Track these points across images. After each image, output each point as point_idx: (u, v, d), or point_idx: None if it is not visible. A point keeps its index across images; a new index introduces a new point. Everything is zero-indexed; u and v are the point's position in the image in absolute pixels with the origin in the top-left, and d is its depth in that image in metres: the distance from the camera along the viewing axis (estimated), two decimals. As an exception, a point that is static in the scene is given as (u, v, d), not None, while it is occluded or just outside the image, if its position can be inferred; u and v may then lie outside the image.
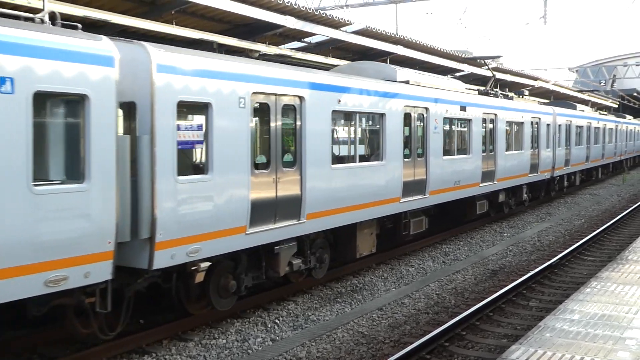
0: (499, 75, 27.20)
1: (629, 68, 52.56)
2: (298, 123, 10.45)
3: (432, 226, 16.12)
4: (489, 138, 18.49)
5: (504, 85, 29.18)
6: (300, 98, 10.36)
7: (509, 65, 29.50)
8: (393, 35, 17.68)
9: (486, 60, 22.12)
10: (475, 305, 10.65)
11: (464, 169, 16.47)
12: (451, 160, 15.86)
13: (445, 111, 15.25)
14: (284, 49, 15.71)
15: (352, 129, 12.24)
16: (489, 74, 26.27)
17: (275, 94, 9.90)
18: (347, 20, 15.50)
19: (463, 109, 16.20)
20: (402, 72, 14.41)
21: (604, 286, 9.35)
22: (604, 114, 38.42)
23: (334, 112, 11.25)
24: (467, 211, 18.03)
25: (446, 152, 15.75)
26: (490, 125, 18.56)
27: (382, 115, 12.73)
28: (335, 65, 16.88)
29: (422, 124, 14.49)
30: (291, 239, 10.44)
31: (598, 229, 18.84)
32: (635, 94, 55.77)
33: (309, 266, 11.27)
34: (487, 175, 17.95)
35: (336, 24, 15.29)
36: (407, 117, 13.85)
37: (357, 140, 12.28)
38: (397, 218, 13.98)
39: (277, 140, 9.99)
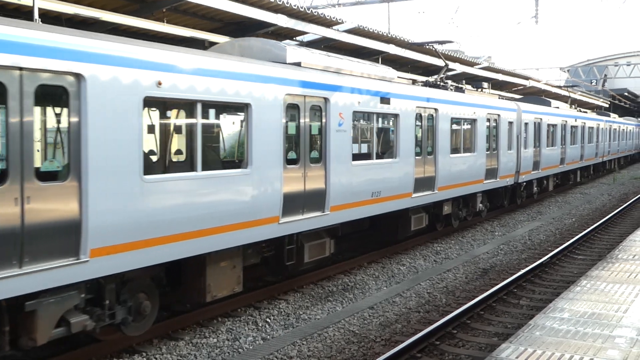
0: (490, 75, 27.26)
1: (620, 68, 52.83)
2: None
3: (343, 250, 14.42)
4: (428, 138, 15.31)
5: (495, 85, 29.28)
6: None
7: (500, 65, 29.45)
8: (385, 34, 17.71)
9: (436, 47, 18.38)
10: (466, 303, 10.68)
11: (386, 176, 13.22)
12: (366, 167, 12.61)
13: (355, 103, 12.11)
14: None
15: (194, 125, 8.87)
16: (480, 72, 26.35)
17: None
18: (339, 19, 15.51)
19: (385, 100, 13.08)
20: (295, 52, 11.33)
21: (594, 285, 9.38)
22: (584, 112, 34.99)
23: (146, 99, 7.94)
24: (400, 227, 14.88)
25: (359, 156, 12.93)
26: (429, 122, 15.30)
27: (247, 106, 9.55)
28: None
29: (320, 120, 11.43)
30: None
31: (588, 227, 18.92)
32: (626, 94, 56.09)
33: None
34: (425, 184, 14.93)
35: (328, 23, 15.30)
36: (293, 110, 10.75)
37: (200, 144, 8.82)
38: (278, 244, 10.88)
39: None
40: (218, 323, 9.93)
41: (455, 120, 16.77)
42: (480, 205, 18.92)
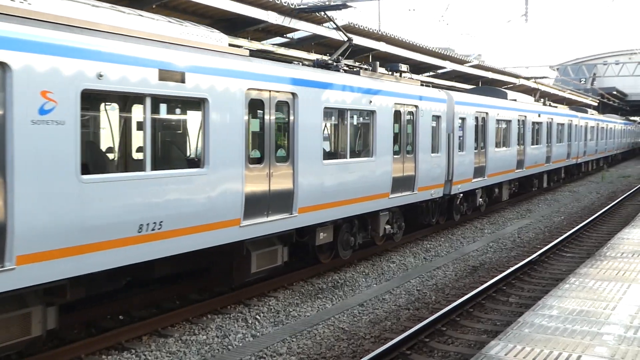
0: (480, 73, 27.28)
1: (609, 66, 53.14)
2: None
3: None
4: (284, 137, 10.92)
5: (486, 82, 29.35)
6: None
7: (490, 63, 29.39)
8: (376, 32, 17.69)
9: (331, 16, 14.31)
10: (455, 301, 10.71)
11: (194, 197, 8.85)
12: (132, 184, 8.02)
13: (119, 78, 7.72)
14: (266, 45, 15.65)
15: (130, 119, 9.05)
16: (474, 71, 26.36)
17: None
18: (330, 17, 15.45)
19: (181, 79, 8.54)
20: None
21: (582, 282, 9.44)
22: (553, 106, 31.07)
23: None
24: (236, 269, 10.39)
25: (117, 164, 9.87)
26: (282, 115, 10.81)
27: (203, 101, 8.98)
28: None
29: (287, 116, 10.69)
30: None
31: (577, 225, 19.02)
32: (614, 92, 56.42)
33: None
34: (282, 202, 10.57)
35: (319, 20, 15.26)
36: (258, 106, 10.16)
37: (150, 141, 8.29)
38: (238, 250, 9.99)
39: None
40: (208, 320, 9.91)
41: (336, 113, 12.59)
42: (388, 227, 14.25)
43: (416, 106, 15.09)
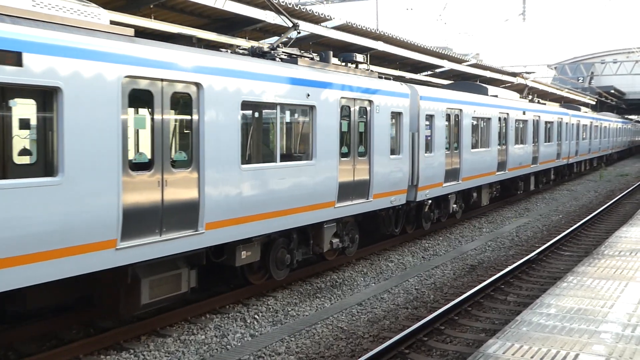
0: (479, 72, 27.30)
1: (607, 65, 53.25)
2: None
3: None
4: (175, 137, 9.32)
5: (483, 81, 29.36)
6: None
7: (488, 63, 29.42)
8: (373, 31, 17.71)
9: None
10: (453, 300, 10.72)
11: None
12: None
13: None
14: (264, 44, 15.64)
15: None
16: (470, 70, 26.37)
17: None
18: (328, 16, 15.49)
19: (16, 61, 6.67)
20: None
21: (580, 281, 9.45)
22: (542, 104, 28.52)
23: None
24: (122, 301, 8.59)
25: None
26: (182, 110, 9.28)
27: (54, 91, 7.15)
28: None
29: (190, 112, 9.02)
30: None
31: (575, 224, 19.04)
32: (612, 91, 56.50)
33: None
34: (182, 217, 8.75)
35: (317, 19, 15.28)
36: (143, 100, 8.48)
37: None
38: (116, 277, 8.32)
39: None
40: (206, 320, 9.91)
41: (262, 108, 10.85)
42: (336, 240, 12.47)
43: (370, 101, 13.03)
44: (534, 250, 14.96)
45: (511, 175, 22.87)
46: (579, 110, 37.51)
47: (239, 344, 9.00)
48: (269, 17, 13.63)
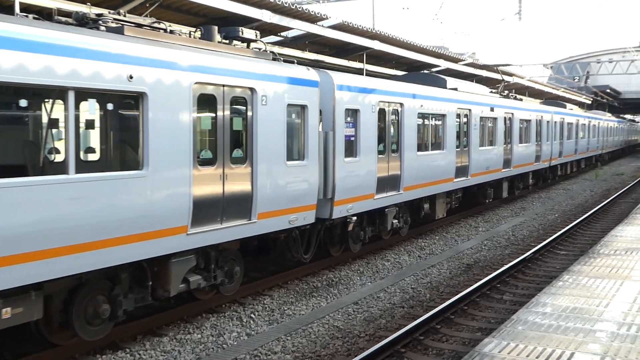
0: (474, 71, 27.29)
1: (602, 65, 53.34)
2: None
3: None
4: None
5: (479, 81, 29.36)
6: None
7: (484, 62, 29.33)
8: (370, 30, 17.70)
9: None
10: (450, 299, 10.74)
11: None
12: None
13: None
14: (260, 43, 15.63)
15: None
16: (464, 69, 26.37)
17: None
18: (324, 15, 15.47)
19: None
20: None
21: (575, 279, 9.47)
22: (519, 99, 26.33)
23: None
24: None
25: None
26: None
27: None
28: (314, 60, 16.85)
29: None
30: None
31: (571, 223, 19.08)
32: (608, 90, 56.64)
33: None
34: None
35: (313, 19, 15.26)
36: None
37: None
38: None
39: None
40: (202, 319, 9.91)
41: (42, 95, 7.97)
42: (194, 278, 9.29)
43: (251, 89, 9.89)
44: (530, 249, 14.99)
45: (476, 182, 19.74)
46: (565, 107, 34.63)
47: (235, 343, 9.00)
48: (265, 16, 13.62)
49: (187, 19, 13.45)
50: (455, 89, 18.76)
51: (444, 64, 23.84)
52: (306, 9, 14.79)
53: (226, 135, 9.58)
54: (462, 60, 25.71)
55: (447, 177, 17.49)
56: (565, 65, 53.95)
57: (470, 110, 19.06)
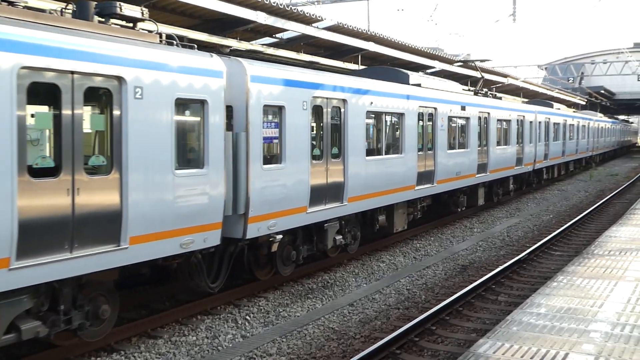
0: (469, 72, 27.34)
1: (597, 66, 53.53)
2: None
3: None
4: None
5: (474, 83, 29.41)
6: None
7: (478, 63, 29.33)
8: (365, 32, 17.73)
9: None
10: (445, 300, 10.75)
11: None
12: None
13: None
14: (255, 45, 15.65)
15: None
16: (458, 70, 26.41)
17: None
18: (319, 17, 15.49)
19: None
20: None
21: (570, 280, 9.50)
22: (498, 98, 23.76)
23: None
24: None
25: None
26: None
27: None
28: (309, 62, 16.85)
29: None
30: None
31: (566, 224, 19.13)
32: (602, 91, 56.83)
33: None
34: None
35: (308, 20, 15.28)
36: None
37: None
38: None
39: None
40: (197, 321, 9.89)
41: None
42: (34, 325, 7.24)
43: (118, 78, 7.81)
44: (525, 250, 15.02)
45: (443, 189, 17.57)
46: (551, 106, 32.40)
47: (230, 345, 8.99)
48: (260, 17, 13.63)
49: (181, 20, 13.44)
50: (419, 85, 16.31)
51: (438, 65, 23.89)
52: (301, 11, 14.81)
53: (77, 137, 7.34)
54: (457, 62, 25.75)
55: (407, 185, 15.26)
56: (560, 67, 54.10)
57: (435, 108, 16.67)
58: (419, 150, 15.87)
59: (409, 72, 16.50)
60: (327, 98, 12.05)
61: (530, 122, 26.05)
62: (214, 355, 8.64)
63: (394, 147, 14.97)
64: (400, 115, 14.93)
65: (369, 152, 13.72)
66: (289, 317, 10.27)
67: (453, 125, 18.13)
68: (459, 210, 19.69)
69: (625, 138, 74.27)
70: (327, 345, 9.00)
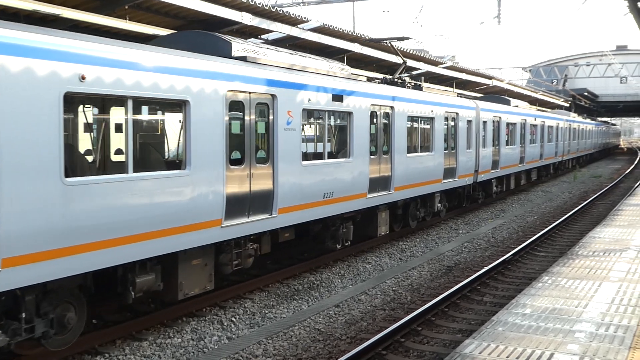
0: (454, 74, 27.40)
1: (580, 68, 53.96)
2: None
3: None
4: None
5: (459, 84, 29.57)
6: None
7: (464, 65, 29.56)
8: (350, 33, 17.74)
9: None
10: (430, 301, 10.77)
11: None
12: None
13: None
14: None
15: None
16: (444, 72, 26.51)
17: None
18: (305, 18, 15.49)
19: None
20: None
21: (554, 281, 9.55)
22: (417, 87, 17.51)
23: None
24: None
25: None
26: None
27: None
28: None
29: None
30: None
31: (550, 225, 19.25)
32: (585, 94, 57.31)
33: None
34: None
35: (293, 21, 15.27)
36: None
37: None
38: None
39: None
40: (183, 323, 9.84)
41: None
42: None
43: (273, 96, 8.12)
44: (510, 251, 15.10)
45: (405, 196, 15.54)
46: (507, 103, 26.86)
47: (216, 347, 8.95)
48: (246, 18, 13.58)
49: (165, 21, 13.37)
50: (243, 59, 10.52)
51: (424, 67, 23.96)
52: (287, 12, 14.79)
53: (252, 138, 10.43)
54: (442, 64, 25.85)
55: (366, 193, 13.53)
56: (544, 69, 54.46)
57: (274, 95, 10.76)
58: (385, 153, 14.26)
59: (232, 40, 10.82)
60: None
61: (469, 121, 20.48)
62: (200, 357, 8.59)
63: (341, 149, 13.19)
64: (182, 104, 8.89)
65: (307, 156, 12.12)
66: (274, 318, 10.24)
67: (315, 121, 12.70)
68: (338, 247, 13.69)
69: (607, 140, 70.72)
70: (313, 346, 8.98)
